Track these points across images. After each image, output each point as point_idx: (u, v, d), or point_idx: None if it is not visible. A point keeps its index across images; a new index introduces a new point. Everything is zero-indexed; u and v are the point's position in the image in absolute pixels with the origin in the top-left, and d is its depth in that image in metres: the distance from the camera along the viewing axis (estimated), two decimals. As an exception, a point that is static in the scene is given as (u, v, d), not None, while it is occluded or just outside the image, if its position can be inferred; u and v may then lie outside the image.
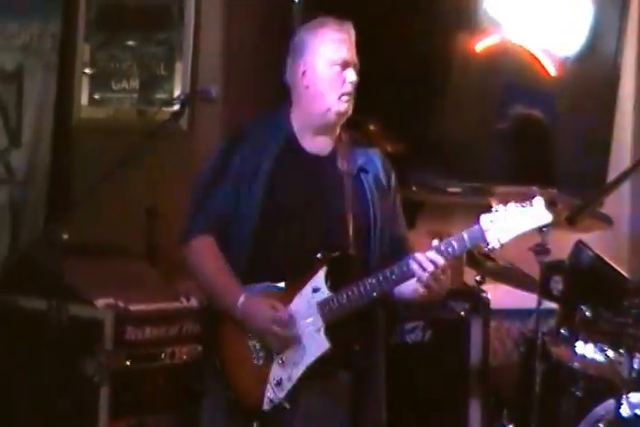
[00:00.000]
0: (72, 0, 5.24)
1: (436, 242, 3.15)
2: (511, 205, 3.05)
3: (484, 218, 3.06)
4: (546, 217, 3.03)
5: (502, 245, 3.09)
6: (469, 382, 4.39)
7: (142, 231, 4.74)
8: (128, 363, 4.07)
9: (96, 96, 5.27)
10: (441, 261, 3.12)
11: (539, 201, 3.04)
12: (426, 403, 4.37)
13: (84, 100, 5.27)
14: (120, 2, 5.22)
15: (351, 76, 3.33)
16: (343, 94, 3.33)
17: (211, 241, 3.34)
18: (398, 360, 4.26)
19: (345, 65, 3.33)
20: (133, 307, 4.13)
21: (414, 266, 3.14)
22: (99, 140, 5.04)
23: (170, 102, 4.83)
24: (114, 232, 4.73)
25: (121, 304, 4.10)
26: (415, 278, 3.16)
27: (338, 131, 3.41)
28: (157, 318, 4.19)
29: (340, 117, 3.37)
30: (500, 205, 3.07)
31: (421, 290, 3.18)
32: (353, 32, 3.38)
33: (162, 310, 4.22)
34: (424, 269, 3.13)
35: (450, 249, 3.12)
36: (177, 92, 5.05)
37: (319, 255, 3.28)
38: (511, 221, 3.05)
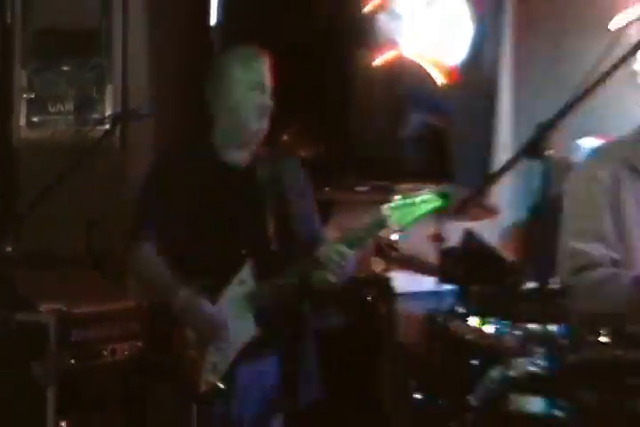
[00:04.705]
0: (8, 28, 5.31)
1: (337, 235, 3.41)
2: (401, 196, 3.35)
3: (384, 207, 3.32)
4: (434, 203, 3.33)
5: (402, 229, 3.37)
6: (382, 358, 4.52)
7: (83, 241, 4.80)
8: (72, 361, 4.10)
9: (34, 119, 5.33)
10: (350, 252, 3.36)
11: (426, 191, 3.35)
12: (345, 378, 4.49)
13: (23, 122, 5.32)
14: (52, 29, 5.28)
15: (267, 100, 3.55)
16: (260, 115, 3.54)
17: (151, 248, 3.54)
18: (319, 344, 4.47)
19: (262, 90, 3.54)
20: (76, 310, 4.17)
21: (328, 260, 3.37)
22: (39, 158, 5.11)
23: (102, 122, 4.99)
24: (56, 243, 4.80)
25: (64, 308, 4.14)
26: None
27: (255, 145, 3.61)
28: (99, 319, 4.22)
29: (258, 135, 3.58)
30: (395, 197, 3.34)
31: (332, 278, 3.40)
32: (268, 60, 3.58)
33: (103, 311, 4.26)
34: (337, 263, 3.36)
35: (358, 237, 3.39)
36: (109, 112, 5.17)
37: (244, 252, 3.45)
38: (405, 209, 3.33)
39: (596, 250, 3.28)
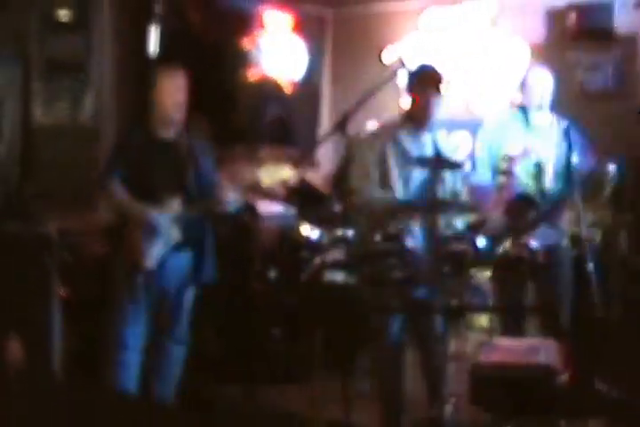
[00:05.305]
0: (28, 57, 4.91)
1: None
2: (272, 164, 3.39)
3: (259, 171, 3.39)
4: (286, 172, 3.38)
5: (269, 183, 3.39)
6: (249, 253, 4.31)
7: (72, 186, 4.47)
8: (67, 255, 3.90)
9: (45, 111, 4.93)
10: (236, 194, 3.39)
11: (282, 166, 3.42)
12: (228, 265, 4.16)
13: (39, 113, 4.93)
14: (56, 57, 4.90)
15: (179, 99, 3.41)
16: (179, 108, 3.41)
17: (120, 185, 3.40)
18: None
19: (178, 92, 3.40)
20: (70, 225, 3.95)
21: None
22: (49, 136, 4.79)
23: (86, 113, 4.69)
24: (58, 186, 4.46)
25: (63, 224, 3.89)
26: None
27: (176, 127, 3.45)
28: (83, 230, 4.03)
29: (178, 120, 3.43)
30: (266, 165, 3.39)
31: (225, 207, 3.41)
32: (183, 75, 3.45)
33: (85, 225, 4.06)
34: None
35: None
36: (89, 107, 4.84)
37: (173, 190, 3.37)
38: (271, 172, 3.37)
39: (365, 188, 3.26)
